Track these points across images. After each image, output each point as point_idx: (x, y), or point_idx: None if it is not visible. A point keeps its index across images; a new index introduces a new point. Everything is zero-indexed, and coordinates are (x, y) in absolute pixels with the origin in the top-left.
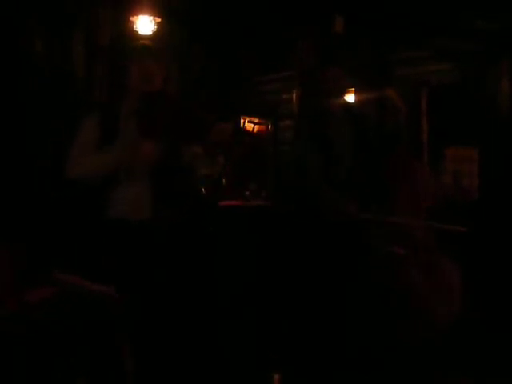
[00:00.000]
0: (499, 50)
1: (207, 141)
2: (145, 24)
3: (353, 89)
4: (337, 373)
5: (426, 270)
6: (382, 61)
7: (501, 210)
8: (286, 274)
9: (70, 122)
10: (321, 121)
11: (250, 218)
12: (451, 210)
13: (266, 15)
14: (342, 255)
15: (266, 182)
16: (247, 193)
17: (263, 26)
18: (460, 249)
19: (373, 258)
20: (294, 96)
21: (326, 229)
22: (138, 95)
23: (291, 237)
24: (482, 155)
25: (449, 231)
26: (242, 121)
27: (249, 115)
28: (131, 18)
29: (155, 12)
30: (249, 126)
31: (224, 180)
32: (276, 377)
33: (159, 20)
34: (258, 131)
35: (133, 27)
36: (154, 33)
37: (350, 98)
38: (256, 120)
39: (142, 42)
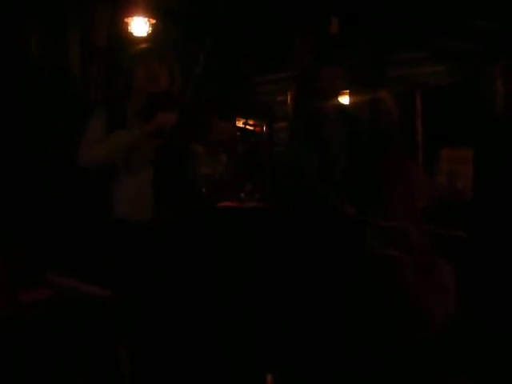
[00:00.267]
0: (494, 52)
1: (210, 140)
2: (140, 25)
3: (347, 90)
4: (336, 373)
5: (422, 271)
6: (377, 62)
7: (496, 210)
8: (284, 274)
9: (68, 122)
10: (315, 121)
11: (247, 219)
12: (446, 211)
13: (263, 15)
14: (338, 256)
15: (261, 184)
16: (242, 194)
17: (260, 25)
18: (456, 250)
19: (368, 260)
20: (289, 97)
21: (322, 230)
22: (144, 96)
23: (288, 238)
24: (477, 156)
25: (447, 236)
26: (239, 122)
27: (244, 116)
28: (126, 20)
29: (150, 13)
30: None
31: (225, 180)
32: (269, 377)
33: (154, 21)
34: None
35: (128, 29)
36: (150, 34)
37: (345, 99)
38: (251, 121)
39: (146, 44)
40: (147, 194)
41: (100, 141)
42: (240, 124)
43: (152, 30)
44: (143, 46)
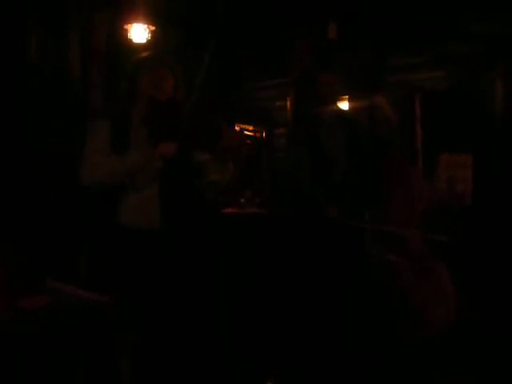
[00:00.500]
0: (493, 55)
1: (218, 147)
2: (139, 32)
3: (346, 96)
4: (336, 373)
5: (421, 275)
6: (376, 66)
7: (495, 215)
8: (284, 278)
9: (68, 122)
10: (314, 126)
11: (247, 224)
12: (445, 215)
13: (262, 18)
14: (337, 260)
15: (260, 189)
16: (242, 200)
17: (259, 29)
18: (455, 253)
19: (367, 264)
20: (288, 103)
21: (321, 234)
22: (149, 103)
23: (288, 242)
24: (477, 161)
25: (432, 240)
26: (238, 127)
27: (243, 122)
28: (125, 26)
29: (149, 20)
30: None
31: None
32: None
33: (153, 28)
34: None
35: (127, 35)
36: (150, 39)
37: (344, 104)
38: (250, 127)
39: (150, 50)
40: (153, 203)
41: (104, 160)
42: (238, 129)
43: (152, 36)
44: (148, 52)
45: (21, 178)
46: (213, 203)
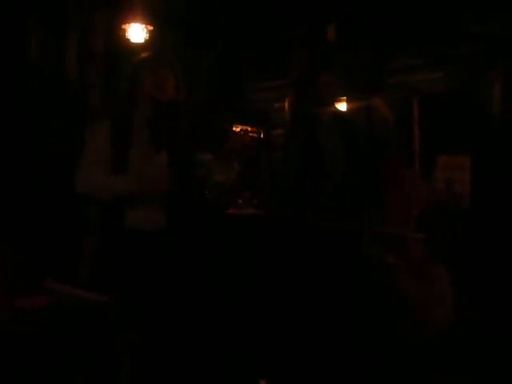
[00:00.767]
0: (492, 57)
1: (224, 147)
2: (137, 32)
3: (344, 97)
4: (336, 373)
5: (419, 275)
6: (375, 68)
7: (493, 216)
8: (282, 278)
9: (67, 122)
10: (312, 127)
11: (245, 225)
12: (443, 217)
13: (262, 19)
14: (335, 261)
15: (259, 190)
16: (240, 201)
17: (258, 30)
18: (454, 254)
19: (366, 265)
20: (287, 104)
21: (319, 235)
22: (152, 105)
23: (286, 243)
24: (475, 163)
25: (405, 236)
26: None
27: (242, 123)
28: (123, 26)
29: (147, 20)
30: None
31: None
32: (262, 383)
33: (151, 28)
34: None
35: (125, 35)
36: (150, 40)
37: (342, 106)
38: (249, 128)
39: (152, 51)
40: (158, 204)
41: (99, 175)
42: (238, 129)
43: (152, 36)
44: (148, 52)
45: (20, 177)
46: (217, 204)
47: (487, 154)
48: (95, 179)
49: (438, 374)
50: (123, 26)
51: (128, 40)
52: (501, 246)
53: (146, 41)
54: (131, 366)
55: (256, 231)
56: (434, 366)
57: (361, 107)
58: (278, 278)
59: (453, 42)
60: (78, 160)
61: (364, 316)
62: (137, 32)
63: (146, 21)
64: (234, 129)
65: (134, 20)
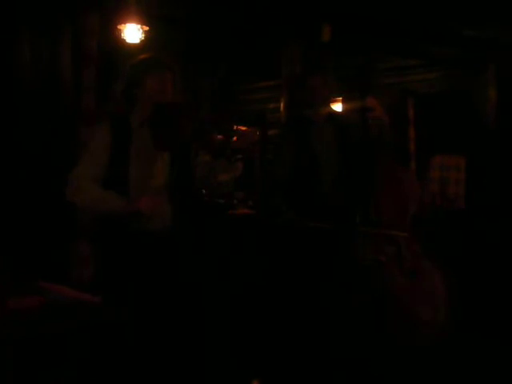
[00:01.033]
0: (486, 59)
1: (229, 147)
2: (132, 32)
3: (339, 98)
4: (328, 376)
5: (411, 276)
6: (368, 69)
7: (487, 216)
8: (275, 279)
9: (61, 126)
10: (305, 128)
11: (239, 226)
12: (438, 217)
13: (254, 21)
14: (326, 262)
15: (253, 191)
16: (235, 201)
17: (252, 31)
18: (448, 254)
19: (358, 266)
20: (282, 104)
21: (311, 236)
22: (155, 107)
23: (279, 244)
24: (469, 163)
25: (391, 235)
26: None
27: (237, 123)
28: (119, 27)
29: (143, 20)
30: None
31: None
32: (255, 382)
33: (147, 28)
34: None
35: (120, 35)
36: (149, 42)
37: (337, 106)
38: (243, 128)
39: (155, 55)
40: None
41: (89, 189)
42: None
43: (148, 37)
44: (148, 54)
45: (12, 180)
46: (218, 204)
47: (482, 154)
48: (88, 193)
49: (433, 374)
50: (119, 27)
51: (123, 40)
52: (495, 246)
53: (143, 41)
54: (126, 367)
55: (250, 231)
56: (429, 367)
57: (355, 108)
58: (272, 278)
59: (447, 44)
60: (71, 164)
61: (355, 316)
62: (132, 32)
63: (142, 21)
64: (239, 128)
65: (129, 20)
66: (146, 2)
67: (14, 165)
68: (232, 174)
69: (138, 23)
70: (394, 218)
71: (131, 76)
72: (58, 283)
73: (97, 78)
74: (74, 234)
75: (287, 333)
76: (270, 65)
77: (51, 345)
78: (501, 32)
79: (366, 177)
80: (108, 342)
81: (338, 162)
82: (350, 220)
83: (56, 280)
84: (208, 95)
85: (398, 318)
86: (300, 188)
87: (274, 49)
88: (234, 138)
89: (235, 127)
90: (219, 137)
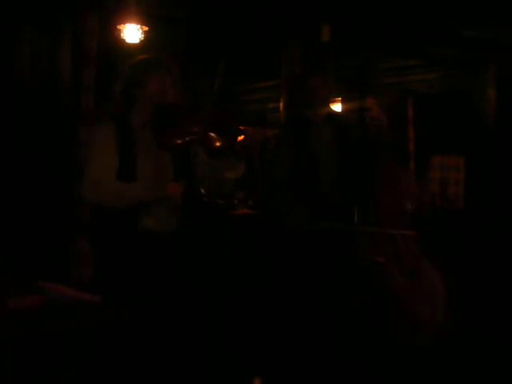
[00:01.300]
0: (486, 58)
1: (236, 145)
2: (132, 32)
3: (339, 98)
4: (329, 375)
5: (410, 276)
6: (367, 69)
7: (487, 216)
8: (275, 279)
9: (60, 127)
10: (304, 128)
11: (239, 226)
12: (437, 217)
13: (254, 22)
14: (325, 264)
15: (253, 191)
16: (235, 201)
17: (250, 33)
18: (447, 254)
19: (356, 266)
20: (281, 105)
21: (310, 237)
22: (156, 109)
23: (279, 244)
24: (469, 163)
25: (397, 235)
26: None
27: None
28: (118, 27)
29: (142, 20)
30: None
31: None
32: (257, 381)
33: (146, 29)
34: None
35: (120, 35)
36: (148, 42)
37: (336, 106)
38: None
39: (155, 55)
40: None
41: (109, 182)
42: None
43: (150, 39)
44: (148, 55)
45: (12, 179)
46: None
47: (481, 154)
48: (106, 187)
49: (433, 375)
50: (118, 27)
51: (123, 40)
52: (494, 245)
53: (142, 41)
54: (127, 367)
55: (250, 231)
56: (427, 366)
57: (354, 108)
58: (272, 278)
59: (446, 44)
60: (71, 163)
61: (355, 316)
62: (132, 32)
63: (142, 21)
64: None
65: (129, 20)
66: (146, 2)
67: (14, 165)
68: (238, 172)
69: (138, 23)
70: (392, 217)
71: (130, 76)
72: (58, 283)
73: (96, 78)
74: (74, 233)
75: (287, 333)
76: (269, 65)
77: (51, 345)
78: (501, 32)
79: (364, 177)
80: (108, 341)
81: (337, 161)
82: (349, 220)
83: (56, 280)
84: (208, 96)
85: (397, 317)
86: (299, 188)
87: (274, 49)
88: (240, 137)
89: (241, 127)
90: (219, 138)
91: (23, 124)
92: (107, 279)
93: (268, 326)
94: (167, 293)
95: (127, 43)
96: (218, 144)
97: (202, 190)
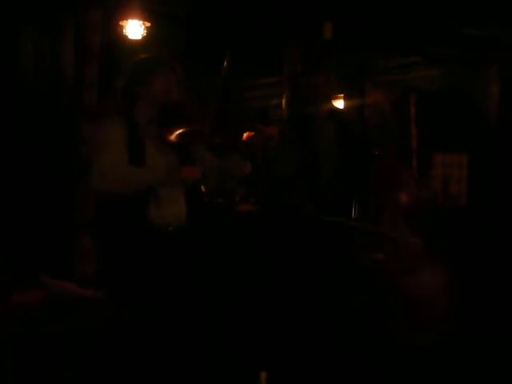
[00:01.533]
0: (488, 56)
1: (242, 143)
2: (134, 28)
3: (341, 95)
4: (331, 374)
5: (410, 274)
6: (368, 67)
7: (489, 214)
8: (276, 276)
9: (63, 123)
10: (306, 125)
11: (241, 223)
12: (439, 216)
13: (256, 19)
14: (325, 262)
15: (255, 188)
16: (237, 198)
17: (253, 29)
18: (450, 253)
19: (355, 265)
20: (284, 101)
21: (311, 234)
22: (161, 108)
23: (280, 242)
24: (472, 161)
25: (424, 240)
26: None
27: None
28: (120, 23)
29: (145, 17)
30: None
31: None
32: (263, 375)
33: (148, 24)
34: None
35: (122, 32)
36: (150, 40)
37: (339, 103)
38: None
39: (158, 54)
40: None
41: (119, 168)
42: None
43: (152, 35)
44: (154, 55)
45: (14, 175)
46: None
47: (484, 152)
48: (114, 173)
49: (434, 374)
50: (121, 23)
51: (125, 37)
52: (497, 243)
53: (144, 38)
54: (128, 364)
55: (252, 228)
56: (427, 365)
57: (357, 104)
58: (274, 274)
59: (449, 42)
60: (73, 159)
61: (355, 315)
62: (134, 29)
63: (144, 17)
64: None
65: (131, 16)
66: None
67: (17, 161)
68: (245, 171)
69: (140, 19)
70: (393, 215)
71: (134, 74)
72: (60, 279)
73: (99, 74)
74: (77, 229)
75: (288, 332)
76: (271, 62)
77: (52, 343)
78: (502, 31)
79: (366, 173)
80: (109, 340)
81: (339, 158)
82: (350, 217)
83: (58, 276)
84: (212, 94)
85: (397, 317)
86: (302, 184)
87: (276, 46)
88: (246, 135)
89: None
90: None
91: (25, 120)
92: (110, 274)
93: (268, 326)
94: (169, 290)
95: (129, 39)
96: (221, 142)
97: (203, 188)
